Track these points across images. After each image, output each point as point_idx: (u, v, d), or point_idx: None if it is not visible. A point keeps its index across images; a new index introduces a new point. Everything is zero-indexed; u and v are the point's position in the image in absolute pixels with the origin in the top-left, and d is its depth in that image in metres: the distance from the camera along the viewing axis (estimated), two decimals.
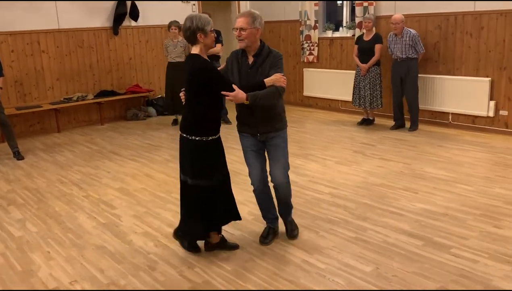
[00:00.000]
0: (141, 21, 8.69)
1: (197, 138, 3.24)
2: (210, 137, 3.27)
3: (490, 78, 6.52)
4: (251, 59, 3.38)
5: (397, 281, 3.04)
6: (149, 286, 3.10)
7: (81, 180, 5.33)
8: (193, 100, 3.24)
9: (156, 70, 9.06)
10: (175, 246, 3.65)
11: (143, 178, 5.33)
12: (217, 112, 3.34)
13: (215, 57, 7.70)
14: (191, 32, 3.14)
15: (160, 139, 7.12)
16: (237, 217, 3.54)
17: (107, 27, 8.35)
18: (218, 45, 7.62)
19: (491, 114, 6.59)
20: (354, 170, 5.28)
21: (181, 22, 7.80)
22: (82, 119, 8.25)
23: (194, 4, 9.38)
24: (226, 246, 3.57)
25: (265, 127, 3.42)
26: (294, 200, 4.49)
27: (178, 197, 4.63)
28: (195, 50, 3.22)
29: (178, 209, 4.34)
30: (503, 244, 3.47)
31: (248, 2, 10.04)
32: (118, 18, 8.35)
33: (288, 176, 3.58)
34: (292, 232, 3.73)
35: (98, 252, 3.61)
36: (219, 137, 3.35)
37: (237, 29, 3.29)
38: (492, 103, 6.56)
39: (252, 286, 3.06)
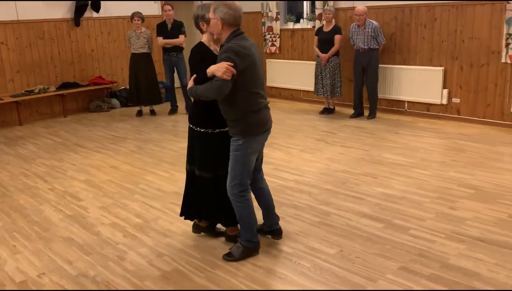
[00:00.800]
0: (103, 12, 8.45)
1: (202, 130, 3.15)
2: (217, 130, 3.13)
3: (443, 68, 6.70)
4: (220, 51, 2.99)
5: (360, 262, 3.10)
6: (119, 276, 3.05)
7: (46, 173, 5.17)
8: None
9: (119, 62, 8.85)
10: (144, 235, 3.61)
11: (109, 170, 5.22)
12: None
13: (178, 48, 7.59)
14: (195, 21, 3.08)
15: (125, 130, 6.98)
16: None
17: (68, 19, 8.08)
18: (181, 36, 7.52)
19: (444, 102, 6.79)
20: (317, 157, 5.34)
21: (144, 13, 7.71)
22: (45, 111, 7.98)
23: None
24: (213, 232, 3.52)
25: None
26: None
27: (145, 187, 4.62)
28: (203, 38, 3.14)
29: (145, 200, 4.31)
30: (457, 224, 3.60)
31: None
32: (79, 9, 8.09)
33: (236, 191, 3.05)
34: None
35: (66, 244, 3.52)
36: (227, 131, 3.09)
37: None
38: (445, 91, 6.75)
39: (222, 272, 3.06)
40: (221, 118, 3.06)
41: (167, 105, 8.15)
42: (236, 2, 2.98)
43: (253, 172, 3.17)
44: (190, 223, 3.70)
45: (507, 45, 6.02)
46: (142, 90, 7.65)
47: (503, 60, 6.13)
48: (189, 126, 3.24)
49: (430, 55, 6.84)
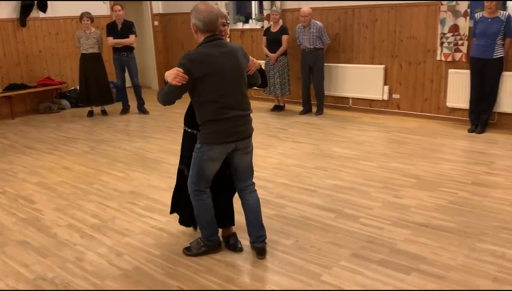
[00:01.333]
0: (50, 13, 8.12)
1: (189, 130, 3.08)
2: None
3: (384, 66, 6.94)
4: None
5: (315, 251, 3.17)
6: (78, 277, 2.96)
7: None
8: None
9: (68, 62, 8.54)
10: (102, 235, 3.52)
11: (61, 171, 5.03)
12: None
13: (129, 48, 7.43)
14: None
15: (76, 131, 6.75)
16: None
17: (14, 19, 7.71)
18: (132, 36, 7.36)
19: (385, 97, 7.04)
20: (270, 153, 5.39)
21: (93, 13, 7.47)
22: None
23: None
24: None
25: None
26: None
27: (100, 188, 4.50)
28: None
29: (102, 200, 4.21)
30: (402, 211, 3.75)
31: None
32: (25, 9, 7.74)
33: (191, 189, 3.03)
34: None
35: (21, 247, 3.38)
36: None
37: None
38: (386, 88, 7.00)
39: (183, 268, 3.04)
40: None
41: (118, 105, 7.95)
42: (212, 6, 2.83)
43: (235, 182, 3.12)
44: (148, 222, 3.65)
45: (442, 44, 6.32)
46: (93, 90, 7.43)
47: (438, 58, 6.43)
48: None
49: (371, 54, 7.06)
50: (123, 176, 4.82)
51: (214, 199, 3.10)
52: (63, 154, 5.64)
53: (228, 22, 3.13)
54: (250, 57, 3.01)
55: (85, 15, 7.17)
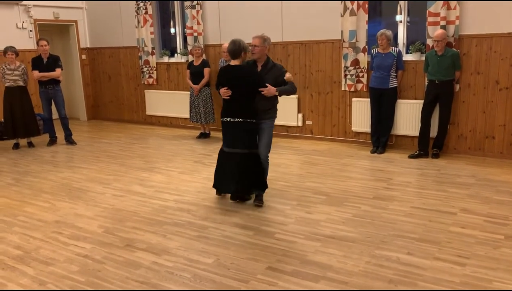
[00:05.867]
0: None
1: (254, 121, 4.26)
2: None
3: (297, 96, 7.26)
4: (259, 68, 4.31)
5: (234, 267, 3.23)
6: None
7: None
8: (249, 96, 4.22)
9: None
10: (24, 266, 3.33)
11: None
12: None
13: (55, 81, 7.18)
14: (239, 50, 4.17)
15: (0, 164, 6.35)
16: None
17: None
18: (58, 70, 7.14)
19: (300, 124, 7.35)
20: (195, 178, 5.41)
21: (18, 47, 7.14)
22: None
23: (31, 30, 8.61)
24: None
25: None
26: (142, 209, 4.47)
27: (25, 219, 4.26)
28: (236, 62, 4.22)
29: (25, 231, 3.99)
30: (314, 226, 3.92)
31: (86, 28, 9.58)
32: None
33: (267, 157, 4.48)
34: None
35: None
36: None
37: (252, 46, 4.23)
38: (300, 115, 7.32)
39: None
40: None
41: (45, 137, 7.60)
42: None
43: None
44: (73, 250, 3.53)
45: (345, 76, 6.76)
46: (18, 122, 7.05)
47: (343, 88, 6.85)
48: (237, 121, 4.22)
49: None
50: (48, 206, 4.60)
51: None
52: None
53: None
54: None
55: (9, 49, 6.85)
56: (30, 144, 7.34)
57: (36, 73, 7.01)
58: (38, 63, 7.06)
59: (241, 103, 4.22)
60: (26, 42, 8.51)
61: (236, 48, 4.17)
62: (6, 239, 3.84)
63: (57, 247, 3.63)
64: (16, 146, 7.24)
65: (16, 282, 3.11)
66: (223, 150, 4.44)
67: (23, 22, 8.47)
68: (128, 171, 5.80)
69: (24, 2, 8.39)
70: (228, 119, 4.27)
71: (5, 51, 6.85)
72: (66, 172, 5.83)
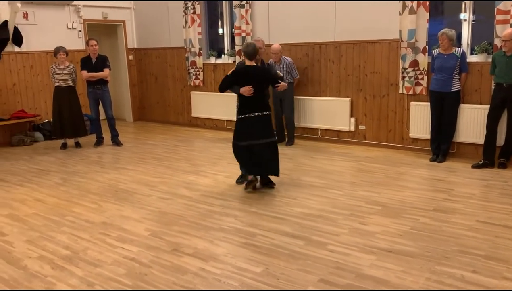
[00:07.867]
0: (25, 47, 8.11)
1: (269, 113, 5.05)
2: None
3: (350, 98, 7.16)
4: None
5: (285, 278, 3.21)
6: None
7: None
8: (265, 92, 5.11)
9: (42, 95, 8.50)
10: (73, 266, 3.47)
11: (33, 203, 4.95)
12: None
13: (103, 82, 7.46)
14: (255, 52, 4.91)
15: (49, 163, 6.67)
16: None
17: None
18: (106, 70, 7.42)
19: (352, 128, 7.24)
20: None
21: (67, 47, 7.51)
22: None
23: (80, 31, 9.01)
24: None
25: None
26: (188, 213, 4.55)
27: (73, 219, 4.44)
28: (252, 63, 4.96)
29: (73, 231, 4.15)
30: (368, 237, 3.84)
31: (134, 28, 9.91)
32: (0, 43, 7.71)
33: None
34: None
35: None
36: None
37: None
38: (353, 119, 7.21)
39: None
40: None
41: (92, 137, 7.91)
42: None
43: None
44: (120, 252, 3.63)
45: (403, 78, 6.60)
46: (66, 122, 7.39)
47: (400, 91, 6.69)
48: (262, 114, 4.95)
49: (338, 88, 7.29)
50: (95, 207, 4.78)
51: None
52: (35, 186, 5.56)
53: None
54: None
55: (60, 49, 7.20)
56: (78, 145, 7.66)
57: (85, 73, 7.32)
58: (87, 63, 7.36)
59: (262, 99, 4.99)
60: (76, 42, 8.92)
61: (254, 51, 4.88)
62: (55, 238, 4.01)
63: (104, 249, 3.76)
64: (64, 146, 7.58)
65: (65, 282, 3.24)
66: (243, 144, 5.01)
67: (73, 22, 8.88)
68: (174, 174, 5.92)
69: (74, 3, 8.80)
70: (256, 113, 4.91)
71: (57, 51, 7.20)
72: (112, 173, 6.04)
